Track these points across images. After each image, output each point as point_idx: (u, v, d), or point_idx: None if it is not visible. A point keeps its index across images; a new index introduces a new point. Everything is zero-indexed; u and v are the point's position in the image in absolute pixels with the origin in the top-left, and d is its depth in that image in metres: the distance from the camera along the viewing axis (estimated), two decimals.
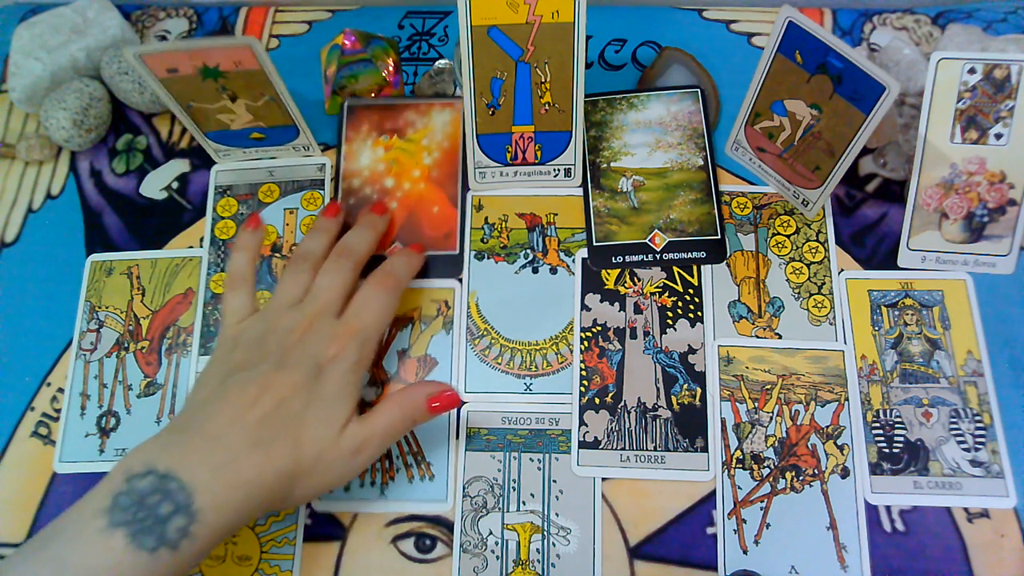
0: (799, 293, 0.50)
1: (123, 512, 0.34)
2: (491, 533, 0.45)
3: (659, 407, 0.47)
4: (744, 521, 0.45)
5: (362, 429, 0.40)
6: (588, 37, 0.59)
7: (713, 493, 0.46)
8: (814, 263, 0.51)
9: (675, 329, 0.49)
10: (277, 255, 0.53)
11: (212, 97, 0.49)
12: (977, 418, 0.47)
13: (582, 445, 0.47)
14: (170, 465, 0.35)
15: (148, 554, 0.33)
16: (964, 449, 0.46)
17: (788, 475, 0.46)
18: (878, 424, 0.47)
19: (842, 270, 0.51)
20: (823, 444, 0.46)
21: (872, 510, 0.45)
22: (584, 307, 0.50)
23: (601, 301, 0.50)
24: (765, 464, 0.46)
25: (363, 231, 0.49)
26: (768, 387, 0.48)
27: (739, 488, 0.46)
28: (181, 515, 0.34)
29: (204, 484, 0.35)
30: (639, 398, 0.48)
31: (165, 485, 0.34)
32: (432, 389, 0.42)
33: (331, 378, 0.40)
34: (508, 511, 0.46)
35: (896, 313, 0.49)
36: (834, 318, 0.49)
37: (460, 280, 0.51)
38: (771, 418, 0.47)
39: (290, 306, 0.44)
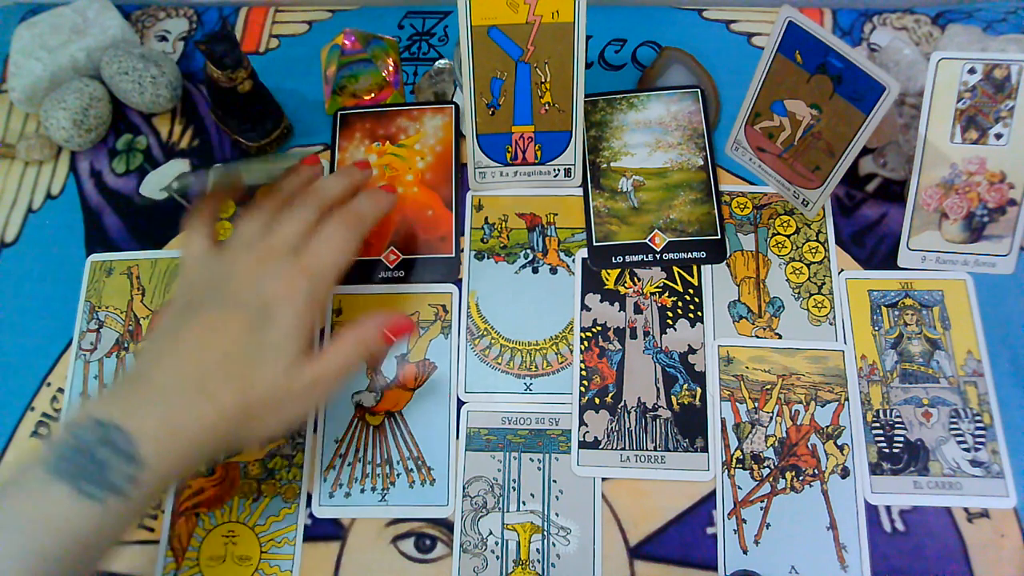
0: (799, 293, 0.50)
1: (66, 463, 0.34)
2: (491, 533, 0.45)
3: (659, 407, 0.47)
4: (744, 521, 0.45)
5: (315, 367, 0.39)
6: (588, 37, 0.59)
7: (713, 493, 0.46)
8: (814, 263, 0.51)
9: (675, 329, 0.49)
10: None
11: None
12: (977, 418, 0.47)
13: (582, 445, 0.47)
14: (113, 415, 0.35)
15: (94, 503, 0.33)
16: (964, 449, 0.46)
17: (788, 475, 0.46)
18: (878, 424, 0.47)
19: (842, 270, 0.51)
20: (823, 444, 0.46)
21: (872, 510, 0.45)
22: (584, 307, 0.50)
23: (601, 301, 0.50)
24: (765, 464, 0.46)
25: (337, 178, 0.47)
26: (768, 387, 0.48)
27: (739, 488, 0.45)
28: (125, 463, 0.34)
29: (148, 432, 0.35)
30: (639, 398, 0.48)
31: (108, 435, 0.34)
32: (383, 319, 0.42)
33: (280, 318, 0.39)
34: (508, 511, 0.46)
35: (896, 313, 0.49)
36: (834, 318, 0.49)
37: (458, 283, 0.51)
38: (771, 418, 0.47)
39: (247, 245, 0.42)
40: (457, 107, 0.56)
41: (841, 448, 0.46)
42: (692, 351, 0.49)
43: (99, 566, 0.35)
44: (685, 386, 0.48)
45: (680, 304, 0.50)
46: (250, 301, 0.39)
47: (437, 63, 0.58)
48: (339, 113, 0.56)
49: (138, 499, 0.34)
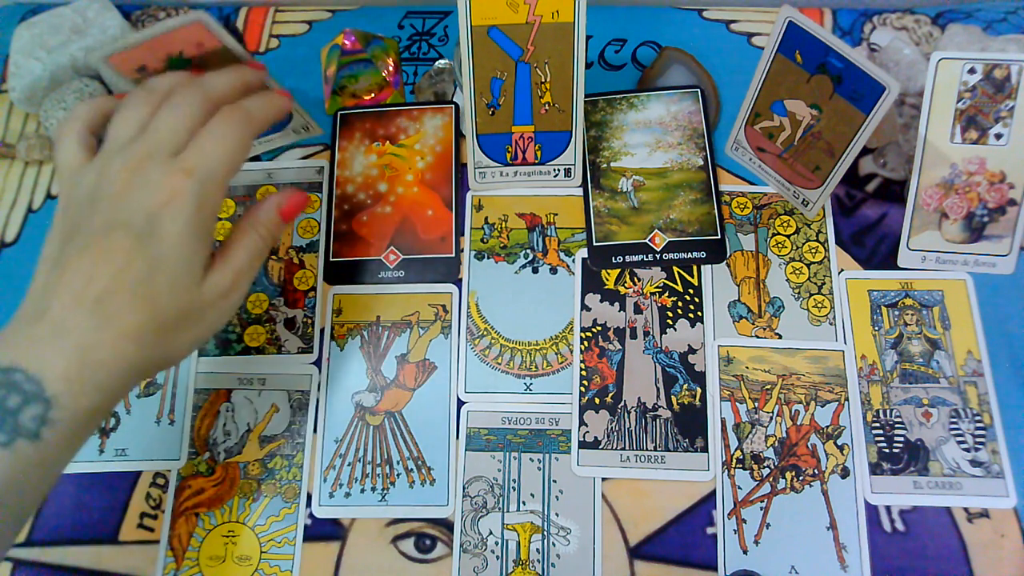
0: (799, 293, 0.50)
1: None
2: (491, 533, 0.45)
3: (659, 407, 0.47)
4: (744, 521, 0.45)
5: (224, 270, 0.38)
6: (588, 37, 0.59)
7: (713, 493, 0.46)
8: (814, 263, 0.51)
9: (675, 329, 0.49)
10: (273, 257, 0.52)
11: None
12: (977, 418, 0.47)
13: (582, 445, 0.47)
14: (14, 358, 0.33)
15: (3, 448, 0.32)
16: (964, 449, 0.46)
17: (788, 475, 0.46)
18: (878, 424, 0.47)
19: (842, 270, 0.51)
20: (823, 444, 0.46)
21: (872, 510, 0.45)
22: (584, 307, 0.50)
23: (601, 301, 0.50)
24: (765, 464, 0.46)
25: (225, 74, 0.42)
26: (768, 387, 0.48)
27: (739, 488, 0.46)
28: (33, 404, 0.32)
29: (55, 371, 0.33)
30: (639, 398, 0.48)
31: (10, 378, 0.33)
32: (278, 198, 0.41)
33: (168, 229, 0.35)
34: (508, 511, 0.46)
35: (896, 313, 0.49)
36: (834, 318, 0.49)
37: (458, 283, 0.51)
38: (771, 418, 0.47)
39: (120, 150, 0.37)
40: (457, 107, 0.56)
41: (841, 448, 0.46)
42: (692, 351, 0.49)
43: (24, 513, 0.34)
44: (685, 386, 0.48)
45: (680, 304, 0.50)
46: (131, 217, 0.35)
47: (437, 63, 0.58)
48: (339, 113, 0.56)
49: (56, 440, 0.33)
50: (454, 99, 0.57)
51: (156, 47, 0.43)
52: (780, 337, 0.49)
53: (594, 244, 0.51)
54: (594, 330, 0.49)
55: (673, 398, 0.48)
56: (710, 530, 0.45)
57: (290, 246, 0.53)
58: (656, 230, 0.51)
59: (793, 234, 0.52)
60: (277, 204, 0.41)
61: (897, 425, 0.47)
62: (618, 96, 0.56)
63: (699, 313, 0.50)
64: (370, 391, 0.49)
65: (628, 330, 0.49)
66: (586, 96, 0.49)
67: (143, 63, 0.44)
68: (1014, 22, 0.57)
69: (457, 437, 0.47)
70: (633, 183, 0.53)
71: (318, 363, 0.50)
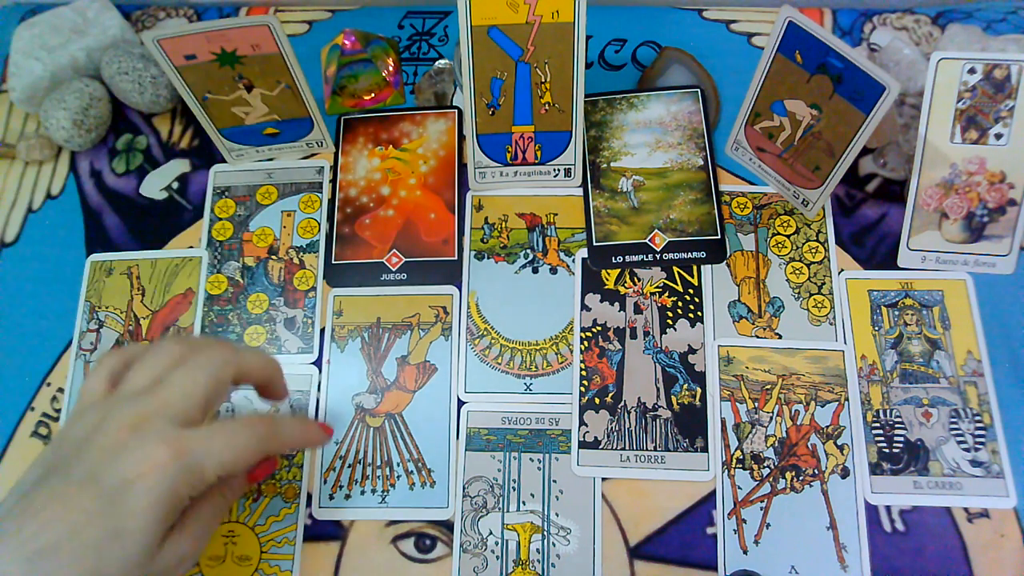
0: (799, 293, 0.50)
1: None
2: (491, 533, 0.45)
3: (659, 407, 0.47)
4: (744, 521, 0.45)
5: (185, 537, 0.36)
6: (588, 37, 0.59)
7: (713, 493, 0.46)
8: (814, 263, 0.51)
9: (675, 329, 0.49)
10: (273, 257, 0.53)
11: (228, 87, 0.49)
12: (977, 418, 0.47)
13: (582, 445, 0.47)
14: None
15: None
16: (964, 449, 0.46)
17: (788, 475, 0.46)
18: (878, 424, 0.47)
19: (842, 270, 0.51)
20: (823, 444, 0.46)
21: (872, 510, 0.45)
22: (584, 307, 0.50)
23: (601, 301, 0.50)
24: (765, 464, 0.46)
25: (264, 355, 0.42)
26: (768, 387, 0.48)
27: (739, 488, 0.46)
28: None
29: None
30: (639, 398, 0.48)
31: None
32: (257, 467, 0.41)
33: (135, 505, 0.33)
34: (508, 511, 0.46)
35: (896, 313, 0.49)
36: (834, 318, 0.49)
37: (458, 284, 0.51)
38: (771, 418, 0.47)
39: (131, 397, 0.36)
40: (460, 112, 0.56)
41: (841, 448, 0.46)
42: (692, 351, 0.49)
43: None
44: (685, 386, 0.48)
45: (680, 304, 0.50)
46: (107, 478, 0.34)
47: (437, 63, 0.58)
48: (342, 118, 0.56)
49: None
50: (454, 99, 0.57)
51: (213, 39, 0.45)
52: (780, 337, 0.49)
53: (594, 244, 0.51)
54: (594, 330, 0.50)
55: (673, 398, 0.48)
56: (710, 530, 0.45)
57: (290, 246, 0.53)
58: (656, 230, 0.51)
59: (793, 234, 0.52)
60: (246, 468, 0.38)
61: (897, 425, 0.47)
62: (618, 96, 0.55)
63: (699, 313, 0.50)
64: (370, 393, 0.49)
65: (628, 330, 0.49)
66: (586, 96, 0.49)
67: (193, 52, 0.45)
68: (1014, 22, 0.57)
69: (457, 437, 0.47)
70: (633, 183, 0.53)
71: (318, 363, 0.50)
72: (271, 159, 0.55)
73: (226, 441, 0.36)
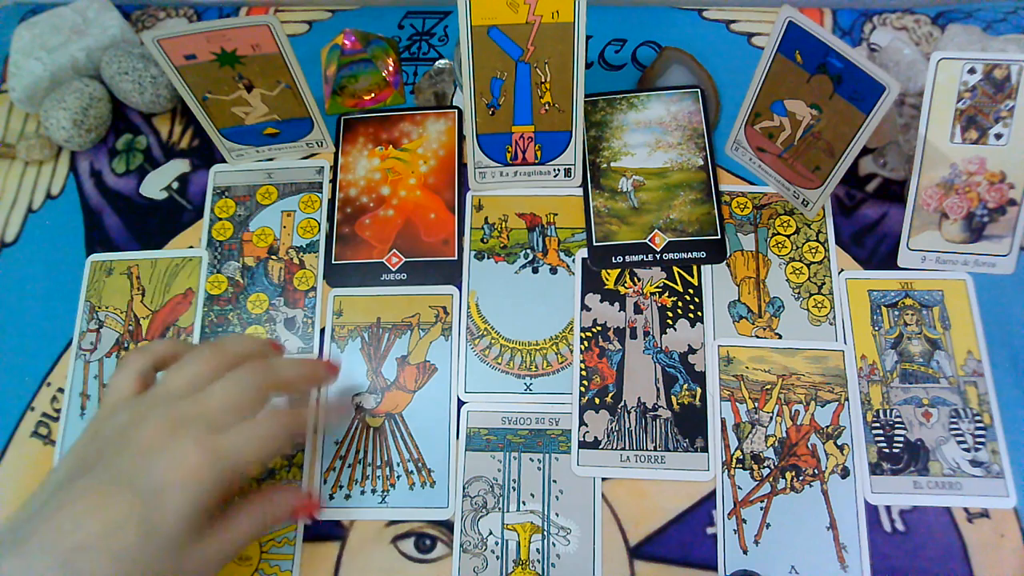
0: (799, 293, 0.50)
1: None
2: (491, 533, 0.45)
3: (659, 407, 0.47)
4: (744, 521, 0.45)
5: (209, 546, 0.36)
6: (588, 37, 0.59)
7: (713, 493, 0.46)
8: (814, 263, 0.51)
9: (675, 329, 0.49)
10: (273, 257, 0.53)
11: (228, 87, 0.49)
12: (977, 418, 0.47)
13: (582, 445, 0.47)
14: None
15: None
16: (964, 449, 0.46)
17: (788, 475, 0.46)
18: (878, 424, 0.47)
19: (842, 270, 0.51)
20: (823, 444, 0.46)
21: (872, 510, 0.45)
22: (584, 307, 0.50)
23: (601, 301, 0.50)
24: (765, 464, 0.46)
25: (298, 365, 0.43)
26: (768, 387, 0.48)
27: (739, 488, 0.46)
28: None
29: None
30: (639, 398, 0.48)
31: None
32: (296, 498, 0.42)
33: (172, 506, 0.35)
34: (508, 511, 0.46)
35: (896, 313, 0.49)
36: (834, 318, 0.49)
37: (459, 286, 0.51)
38: (771, 418, 0.47)
39: (167, 401, 0.38)
40: (460, 112, 0.56)
41: (841, 448, 0.46)
42: (692, 351, 0.49)
43: None
44: (685, 386, 0.48)
45: (680, 304, 0.50)
46: (144, 479, 0.35)
47: (437, 63, 0.58)
48: (342, 118, 0.56)
49: None
50: (454, 99, 0.57)
51: (213, 39, 0.45)
52: (780, 337, 0.49)
53: (594, 244, 0.51)
54: (594, 330, 0.50)
55: (673, 398, 0.48)
56: (710, 530, 0.45)
57: (290, 246, 0.53)
58: (656, 230, 0.51)
59: (793, 234, 0.52)
60: (293, 503, 0.41)
61: (897, 425, 0.47)
62: (618, 96, 0.56)
63: (699, 313, 0.50)
64: (370, 393, 0.49)
65: (628, 330, 0.49)
66: (586, 96, 0.49)
67: (193, 52, 0.45)
68: (1014, 22, 0.57)
69: (457, 437, 0.47)
70: (633, 183, 0.53)
71: None
72: (271, 159, 0.55)
73: (258, 435, 0.37)
